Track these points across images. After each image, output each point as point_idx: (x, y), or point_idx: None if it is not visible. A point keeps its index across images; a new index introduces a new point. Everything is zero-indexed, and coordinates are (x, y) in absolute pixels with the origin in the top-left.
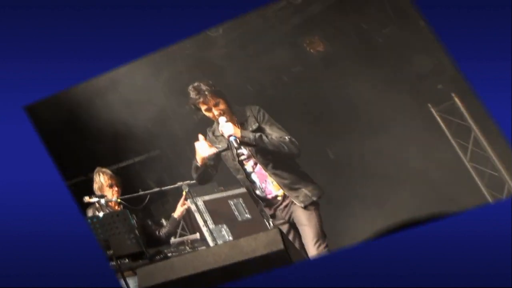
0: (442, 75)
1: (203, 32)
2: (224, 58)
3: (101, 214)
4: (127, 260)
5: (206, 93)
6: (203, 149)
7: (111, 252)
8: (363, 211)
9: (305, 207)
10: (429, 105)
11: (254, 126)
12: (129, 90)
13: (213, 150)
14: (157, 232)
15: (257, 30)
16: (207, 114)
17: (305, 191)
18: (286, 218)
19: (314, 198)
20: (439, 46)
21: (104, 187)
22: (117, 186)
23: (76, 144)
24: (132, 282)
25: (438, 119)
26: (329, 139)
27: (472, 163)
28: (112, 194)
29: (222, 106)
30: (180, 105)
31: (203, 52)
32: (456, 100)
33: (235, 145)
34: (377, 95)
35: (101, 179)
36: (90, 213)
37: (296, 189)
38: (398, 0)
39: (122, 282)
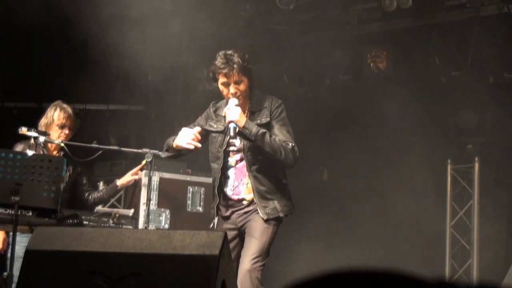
0: (478, 137)
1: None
2: (277, 35)
3: (30, 152)
4: (30, 213)
5: (235, 66)
6: (183, 138)
7: (16, 198)
8: (319, 243)
9: (266, 220)
10: (449, 160)
11: (264, 121)
12: (154, 28)
13: (191, 146)
14: (86, 194)
15: (330, 20)
16: (221, 88)
17: (276, 204)
18: (239, 224)
19: (281, 214)
20: (494, 108)
21: (53, 125)
22: (69, 129)
23: (48, 62)
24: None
25: (449, 177)
26: (331, 160)
27: (452, 229)
28: (58, 136)
29: (242, 86)
30: (198, 67)
31: (260, 20)
32: (476, 165)
33: (232, 133)
34: (407, 132)
35: (55, 115)
36: (18, 148)
37: (267, 199)
38: (484, 49)
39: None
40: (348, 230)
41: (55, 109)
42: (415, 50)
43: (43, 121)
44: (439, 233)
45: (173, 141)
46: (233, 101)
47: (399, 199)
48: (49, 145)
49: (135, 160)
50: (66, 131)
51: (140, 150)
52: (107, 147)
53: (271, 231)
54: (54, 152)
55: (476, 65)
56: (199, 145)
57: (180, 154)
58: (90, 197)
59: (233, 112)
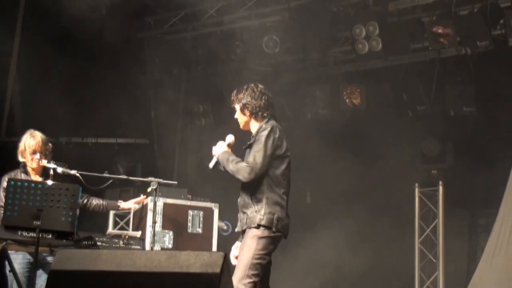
0: (441, 163)
1: None
2: (264, 75)
3: (49, 182)
4: (50, 236)
5: (231, 97)
6: None
7: (38, 223)
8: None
9: (247, 234)
10: (416, 184)
11: (248, 143)
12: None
13: None
14: (83, 201)
15: (310, 61)
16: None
17: (247, 216)
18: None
19: (244, 227)
20: (455, 138)
21: (26, 152)
22: (40, 154)
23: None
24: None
25: (417, 199)
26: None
27: (420, 245)
28: (31, 162)
29: (237, 114)
30: (194, 105)
31: (248, 62)
32: (440, 188)
33: (211, 165)
34: (378, 160)
35: (26, 143)
36: (8, 176)
37: (243, 213)
38: (445, 86)
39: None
40: (329, 244)
41: (27, 137)
42: (385, 87)
43: (19, 149)
44: (406, 248)
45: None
46: (228, 138)
47: (372, 219)
48: (29, 169)
49: (141, 187)
50: (37, 157)
51: (146, 179)
52: (117, 176)
53: (253, 245)
54: (37, 176)
55: (438, 100)
56: None
57: None
58: (88, 202)
59: (215, 147)
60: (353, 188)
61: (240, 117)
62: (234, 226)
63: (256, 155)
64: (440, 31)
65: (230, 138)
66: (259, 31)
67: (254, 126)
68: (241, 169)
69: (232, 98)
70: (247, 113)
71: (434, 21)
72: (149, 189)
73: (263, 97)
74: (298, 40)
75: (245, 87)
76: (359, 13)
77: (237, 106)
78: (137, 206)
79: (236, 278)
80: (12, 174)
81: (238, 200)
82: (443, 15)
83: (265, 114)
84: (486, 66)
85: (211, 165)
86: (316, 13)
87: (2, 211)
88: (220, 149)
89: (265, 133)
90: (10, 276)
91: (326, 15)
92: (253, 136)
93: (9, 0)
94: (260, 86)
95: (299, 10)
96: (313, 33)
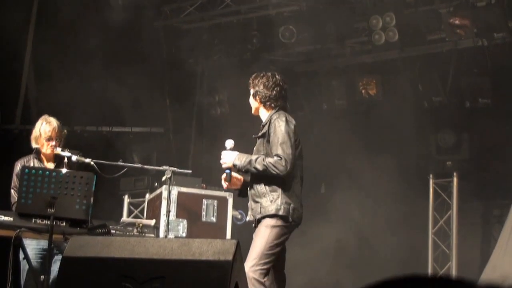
0: (456, 155)
1: None
2: (280, 65)
3: (64, 170)
4: (64, 224)
5: (249, 81)
6: None
7: (52, 210)
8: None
9: (260, 223)
10: (431, 175)
11: (261, 133)
12: None
13: None
14: None
15: (327, 52)
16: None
17: (260, 205)
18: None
19: (258, 216)
20: (470, 129)
21: (41, 138)
22: (55, 141)
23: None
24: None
25: (431, 190)
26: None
27: (434, 236)
28: (46, 148)
29: (251, 98)
30: (210, 94)
31: (265, 53)
32: (455, 179)
33: (229, 179)
34: (394, 150)
35: (41, 129)
36: (19, 163)
37: (256, 202)
38: (461, 78)
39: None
40: (342, 234)
41: (42, 123)
42: (401, 78)
43: (33, 135)
44: (420, 238)
45: None
46: (228, 143)
47: (385, 210)
48: (42, 156)
49: (156, 176)
50: (53, 143)
51: (160, 168)
52: (131, 164)
53: (266, 234)
54: (49, 163)
55: (454, 92)
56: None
57: None
58: None
59: (224, 158)
60: (367, 178)
61: (252, 102)
62: None
63: (283, 146)
64: (457, 22)
65: (230, 143)
66: (275, 21)
67: (263, 113)
68: (276, 163)
69: (249, 81)
70: (258, 100)
71: (451, 12)
72: (163, 178)
73: (276, 88)
74: (314, 30)
75: (261, 74)
76: (376, 4)
77: (251, 91)
78: None
79: (247, 265)
80: (24, 160)
81: (248, 189)
82: (460, 6)
83: (273, 105)
84: (503, 58)
85: (229, 178)
86: (333, 4)
87: (16, 194)
88: (231, 156)
89: (282, 123)
90: (23, 262)
91: (343, 5)
92: (262, 125)
93: None
94: (277, 76)
95: (316, 0)
96: (330, 23)
